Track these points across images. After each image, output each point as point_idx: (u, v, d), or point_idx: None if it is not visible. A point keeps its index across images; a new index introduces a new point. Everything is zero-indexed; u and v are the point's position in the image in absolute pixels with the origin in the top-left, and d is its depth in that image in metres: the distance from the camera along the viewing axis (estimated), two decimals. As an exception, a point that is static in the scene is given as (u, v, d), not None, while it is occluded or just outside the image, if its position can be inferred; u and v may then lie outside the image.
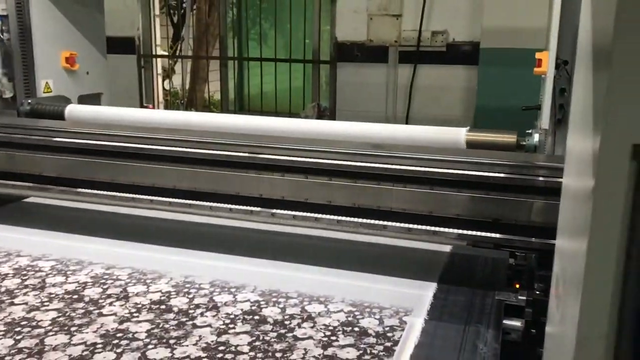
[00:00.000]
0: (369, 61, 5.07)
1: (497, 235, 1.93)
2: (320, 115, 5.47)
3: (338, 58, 5.26)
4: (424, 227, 2.00)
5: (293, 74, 6.32)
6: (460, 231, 1.96)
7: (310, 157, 2.16)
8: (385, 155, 2.09)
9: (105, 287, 1.80)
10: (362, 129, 2.48)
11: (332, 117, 5.33)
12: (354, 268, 1.93)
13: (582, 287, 0.71)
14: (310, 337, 1.52)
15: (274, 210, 2.12)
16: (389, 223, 2.01)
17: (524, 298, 1.71)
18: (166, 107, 7.61)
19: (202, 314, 1.64)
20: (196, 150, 2.30)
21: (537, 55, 2.34)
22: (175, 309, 1.67)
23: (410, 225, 2.00)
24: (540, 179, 1.94)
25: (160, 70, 7.04)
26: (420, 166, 2.06)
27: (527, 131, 2.23)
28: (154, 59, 6.71)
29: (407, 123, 4.83)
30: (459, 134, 2.40)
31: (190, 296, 1.76)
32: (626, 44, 0.64)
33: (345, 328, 1.57)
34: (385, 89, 5.08)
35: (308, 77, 6.26)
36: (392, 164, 2.07)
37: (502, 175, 2.00)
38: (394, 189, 2.07)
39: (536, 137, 2.19)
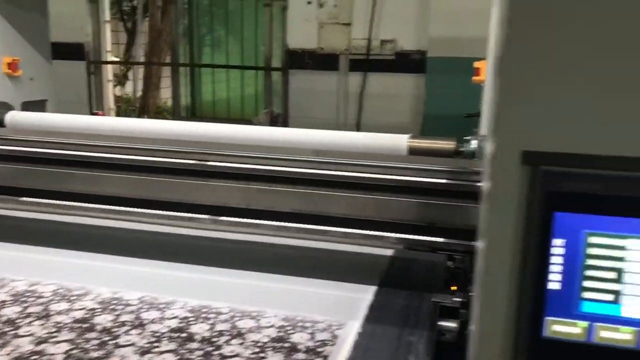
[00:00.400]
0: (320, 69, 5.08)
1: (434, 239, 1.95)
2: (273, 122, 5.44)
3: (290, 65, 5.25)
4: (363, 231, 2.01)
5: (248, 81, 6.28)
6: (398, 235, 1.99)
7: (250, 164, 2.14)
8: (325, 161, 2.09)
9: (25, 305, 1.71)
10: (305, 135, 2.45)
11: (285, 123, 5.31)
12: (292, 276, 1.90)
13: (480, 285, 0.70)
14: (238, 355, 1.47)
15: (215, 217, 2.09)
16: (330, 228, 2.01)
17: (459, 299, 1.71)
18: (118, 114, 7.47)
19: (126, 332, 1.57)
20: (139, 158, 2.25)
21: (475, 64, 2.36)
22: (99, 328, 1.60)
23: (350, 230, 2.01)
24: (477, 184, 1.96)
25: (111, 77, 6.89)
26: (361, 172, 2.08)
27: (465, 138, 2.24)
28: (104, 65, 6.57)
29: (358, 130, 4.84)
30: (401, 141, 2.40)
31: (116, 313, 1.68)
32: (514, 55, 0.63)
33: (275, 344, 1.52)
34: (336, 96, 5.08)
35: (262, 84, 6.23)
36: (332, 170, 2.07)
37: (439, 180, 2.03)
38: (334, 194, 2.07)
39: (474, 144, 2.21)
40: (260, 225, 2.04)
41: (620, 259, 0.68)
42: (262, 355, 1.47)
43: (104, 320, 1.63)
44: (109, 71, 6.59)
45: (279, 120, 5.48)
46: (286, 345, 1.52)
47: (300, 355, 1.47)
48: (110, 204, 2.20)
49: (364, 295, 1.78)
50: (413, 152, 2.38)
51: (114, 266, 1.96)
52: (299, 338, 1.55)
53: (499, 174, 0.66)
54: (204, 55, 6.85)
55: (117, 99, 7.74)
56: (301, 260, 2.06)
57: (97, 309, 1.70)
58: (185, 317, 1.66)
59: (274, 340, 1.54)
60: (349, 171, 2.07)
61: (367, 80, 4.97)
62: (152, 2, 7.81)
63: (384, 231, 2.01)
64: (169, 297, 1.77)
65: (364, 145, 2.42)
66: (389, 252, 2.09)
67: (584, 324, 0.69)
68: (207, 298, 1.77)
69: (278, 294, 1.80)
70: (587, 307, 0.69)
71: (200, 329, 1.60)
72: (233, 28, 6.33)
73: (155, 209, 2.13)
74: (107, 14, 6.28)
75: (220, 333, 1.57)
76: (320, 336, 1.57)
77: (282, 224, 2.04)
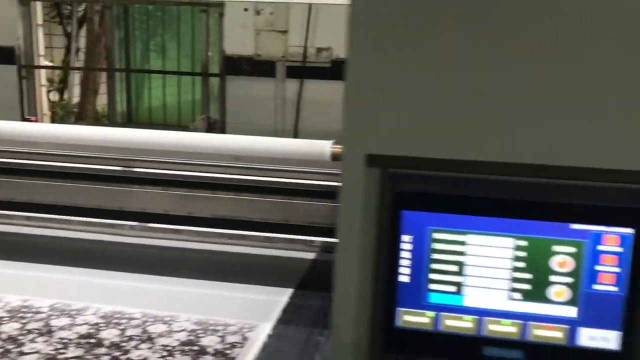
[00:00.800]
0: (257, 75, 5.11)
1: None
2: (210, 128, 5.43)
3: (227, 71, 5.25)
4: (282, 235, 2.05)
5: (186, 87, 6.24)
6: (317, 238, 2.03)
7: (170, 169, 2.15)
8: (245, 167, 2.12)
9: None
10: (229, 141, 2.46)
11: (223, 130, 5.31)
12: (210, 281, 1.91)
13: (336, 279, 0.75)
14: (146, 359, 1.47)
15: (132, 223, 2.08)
16: (248, 232, 2.04)
17: None
18: (53, 120, 7.26)
19: (32, 340, 1.55)
20: (58, 164, 2.22)
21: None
22: (4, 336, 1.56)
23: (269, 234, 2.04)
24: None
25: (45, 82, 6.70)
26: (281, 177, 2.12)
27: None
28: (37, 70, 6.38)
29: (295, 136, 4.90)
30: (324, 147, 2.44)
31: (24, 321, 1.65)
32: (356, 64, 0.68)
33: (184, 348, 1.53)
34: (273, 102, 5.11)
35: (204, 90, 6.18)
36: (252, 175, 2.10)
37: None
38: (253, 199, 2.10)
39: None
40: (181, 231, 2.04)
41: (461, 253, 0.74)
42: (169, 358, 1.47)
43: (10, 328, 1.60)
44: (42, 76, 6.41)
45: (216, 126, 5.46)
46: (195, 348, 1.53)
47: (209, 358, 1.48)
48: (26, 211, 2.15)
49: (279, 297, 1.81)
50: (337, 157, 2.43)
51: (25, 273, 1.93)
52: (209, 341, 1.57)
53: (348, 176, 0.71)
54: (142, 61, 6.78)
55: (53, 105, 7.52)
56: (221, 264, 2.07)
57: (5, 317, 1.67)
58: (96, 323, 1.65)
59: (183, 344, 1.55)
60: (269, 176, 2.10)
61: (303, 87, 5.03)
62: (90, 6, 7.65)
63: (303, 235, 2.05)
64: (81, 304, 1.75)
65: (288, 151, 2.45)
66: (309, 256, 2.13)
67: (431, 313, 0.75)
68: (120, 304, 1.76)
69: (193, 299, 1.82)
70: (433, 298, 0.75)
71: (110, 334, 1.59)
72: (171, 34, 6.29)
73: (71, 215, 2.10)
74: (39, 17, 6.11)
75: (130, 338, 1.57)
76: (231, 339, 1.59)
77: (203, 229, 2.05)
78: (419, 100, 0.69)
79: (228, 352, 1.52)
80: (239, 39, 5.14)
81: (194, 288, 1.89)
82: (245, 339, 1.59)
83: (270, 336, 1.59)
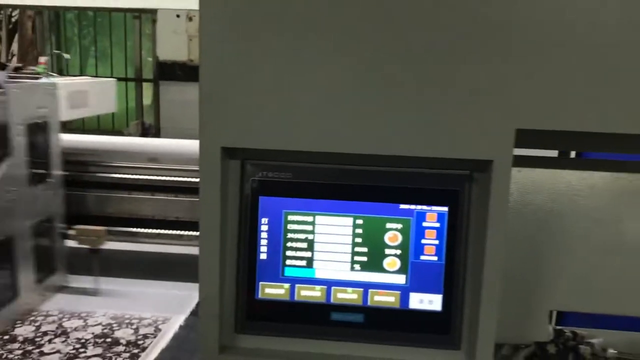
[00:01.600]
0: (191, 80, 5.14)
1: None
2: (144, 133, 5.41)
3: (160, 77, 5.27)
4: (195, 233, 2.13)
5: (120, 92, 6.19)
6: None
7: (90, 172, 2.19)
8: (159, 168, 2.19)
9: None
10: (148, 144, 2.53)
11: (157, 134, 5.31)
12: (127, 279, 1.98)
13: (201, 257, 0.84)
14: (58, 352, 1.53)
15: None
16: (163, 231, 2.10)
17: None
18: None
19: (-55, 339, 1.58)
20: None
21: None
22: None
23: (184, 232, 2.11)
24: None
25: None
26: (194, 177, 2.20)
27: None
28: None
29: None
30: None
31: (-62, 322, 1.68)
32: (207, 64, 0.79)
33: (97, 340, 1.60)
34: (207, 107, 5.14)
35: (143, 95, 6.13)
36: (166, 176, 2.18)
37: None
38: (168, 199, 2.17)
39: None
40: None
41: (310, 232, 0.86)
42: (82, 350, 1.54)
43: None
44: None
45: (151, 131, 5.46)
46: (108, 340, 1.60)
47: (120, 348, 1.56)
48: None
49: (196, 292, 1.89)
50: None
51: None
52: (122, 333, 1.64)
53: (206, 167, 0.82)
54: (78, 66, 6.68)
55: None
56: (140, 262, 2.14)
57: None
58: (12, 320, 1.69)
59: (97, 336, 1.62)
60: (185, 177, 2.17)
61: (236, 92, 5.08)
62: (22, 11, 7.46)
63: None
64: (-2, 304, 1.79)
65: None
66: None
67: (287, 285, 0.86)
68: (37, 302, 1.80)
69: (111, 295, 1.88)
70: (288, 272, 0.86)
71: (24, 330, 1.64)
72: (105, 40, 6.25)
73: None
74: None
75: (45, 333, 1.63)
76: (144, 330, 1.67)
77: (121, 229, 2.11)
78: (264, 98, 0.80)
79: (140, 342, 1.60)
80: (171, 44, 5.17)
81: (112, 285, 1.95)
82: (158, 330, 1.67)
83: (181, 327, 1.68)
